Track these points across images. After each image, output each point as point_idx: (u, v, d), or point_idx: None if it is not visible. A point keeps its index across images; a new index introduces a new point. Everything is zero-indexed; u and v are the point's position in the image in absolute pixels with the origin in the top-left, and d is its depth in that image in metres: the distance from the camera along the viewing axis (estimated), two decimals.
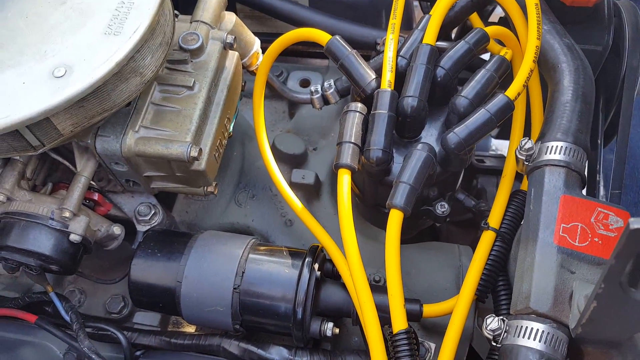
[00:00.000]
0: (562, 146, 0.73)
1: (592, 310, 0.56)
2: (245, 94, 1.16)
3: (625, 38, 0.93)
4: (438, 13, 0.83)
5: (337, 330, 0.77)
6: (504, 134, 1.36)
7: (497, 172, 1.17)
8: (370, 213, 0.98)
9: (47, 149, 0.72)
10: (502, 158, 1.23)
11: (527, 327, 0.63)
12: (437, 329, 0.88)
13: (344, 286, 0.79)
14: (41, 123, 0.66)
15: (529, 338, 0.62)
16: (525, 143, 0.76)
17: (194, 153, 0.76)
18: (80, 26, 0.68)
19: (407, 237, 1.03)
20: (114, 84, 0.68)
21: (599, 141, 1.05)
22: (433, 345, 0.86)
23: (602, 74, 0.98)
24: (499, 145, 1.51)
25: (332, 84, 0.91)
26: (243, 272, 0.77)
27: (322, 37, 0.84)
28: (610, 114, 1.02)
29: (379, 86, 0.80)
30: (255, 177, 1.05)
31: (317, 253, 0.80)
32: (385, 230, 0.88)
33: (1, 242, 0.77)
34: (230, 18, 0.93)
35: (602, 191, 1.04)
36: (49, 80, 0.64)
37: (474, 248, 0.81)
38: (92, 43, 0.66)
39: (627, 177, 1.52)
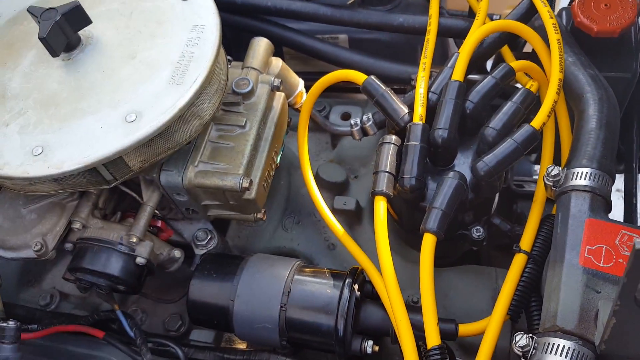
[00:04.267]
0: (587, 172, 0.76)
1: (612, 326, 0.59)
2: (291, 128, 1.25)
3: None
4: (466, 51, 0.89)
5: (376, 348, 0.83)
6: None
7: None
8: (409, 237, 1.04)
9: (119, 183, 0.82)
10: None
11: (554, 343, 0.66)
12: (474, 349, 0.91)
13: (383, 306, 0.84)
14: (115, 161, 0.76)
15: (555, 354, 0.65)
16: (552, 170, 0.80)
17: (246, 184, 0.85)
18: (148, 78, 0.78)
19: (449, 260, 1.07)
20: (177, 126, 0.78)
21: (634, 165, 1.07)
22: None
23: (635, 99, 1.01)
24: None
25: (371, 117, 0.98)
26: (289, 292, 0.84)
27: (358, 77, 0.92)
28: None
29: (411, 120, 0.86)
30: (301, 204, 1.13)
31: (356, 274, 0.87)
32: None
33: (77, 264, 0.88)
34: (277, 63, 1.02)
35: None
36: (122, 125, 0.74)
37: None
38: (159, 92, 0.76)
39: None
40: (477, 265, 1.02)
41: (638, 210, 1.06)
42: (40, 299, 1.08)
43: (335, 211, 1.04)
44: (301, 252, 1.07)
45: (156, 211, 0.93)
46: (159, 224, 0.95)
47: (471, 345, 0.91)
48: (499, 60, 1.06)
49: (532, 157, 1.44)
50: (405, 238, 1.05)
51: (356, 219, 1.10)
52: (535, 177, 1.57)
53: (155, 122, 0.73)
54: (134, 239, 0.87)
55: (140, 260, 0.87)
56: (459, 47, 0.94)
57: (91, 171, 0.76)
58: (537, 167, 1.60)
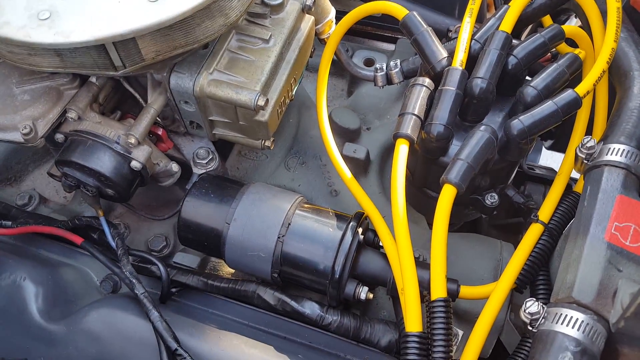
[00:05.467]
0: (624, 149, 0.73)
1: None
2: (307, 68, 1.18)
3: None
4: (518, 3, 0.83)
5: (370, 295, 0.78)
6: (557, 146, 1.35)
7: (545, 182, 1.17)
8: (416, 197, 0.99)
9: (127, 72, 0.74)
10: (551, 170, 1.23)
11: (567, 315, 0.63)
12: (466, 317, 0.88)
13: (383, 256, 0.80)
14: (127, 43, 0.69)
15: (567, 325, 0.62)
16: (588, 141, 0.75)
17: (261, 102, 0.78)
18: None
19: (451, 227, 1.03)
20: (200, 18, 0.71)
21: None
22: (461, 333, 0.86)
23: None
24: (549, 158, 1.50)
25: (399, 63, 0.92)
26: (289, 224, 0.79)
27: (399, 11, 0.85)
28: None
29: (449, 65, 0.81)
30: (307, 145, 1.07)
31: (361, 219, 0.82)
32: (426, 216, 0.88)
33: (66, 157, 0.80)
34: None
35: None
36: (144, 3, 0.67)
37: None
38: None
39: None
40: (483, 235, 0.98)
41: None
42: (18, 198, 1.02)
43: (343, 157, 0.98)
44: (302, 193, 1.01)
45: (158, 119, 0.87)
46: (160, 132, 0.88)
47: (464, 313, 0.87)
48: None
49: (547, 143, 1.40)
50: (410, 198, 1.00)
51: (363, 169, 1.05)
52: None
53: (179, 7, 0.66)
54: (133, 140, 0.80)
55: (135, 165, 0.81)
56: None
57: (100, 50, 0.69)
58: (545, 152, 1.56)
